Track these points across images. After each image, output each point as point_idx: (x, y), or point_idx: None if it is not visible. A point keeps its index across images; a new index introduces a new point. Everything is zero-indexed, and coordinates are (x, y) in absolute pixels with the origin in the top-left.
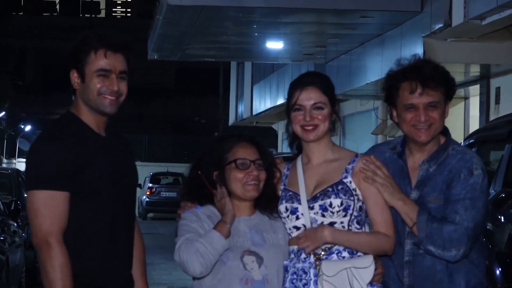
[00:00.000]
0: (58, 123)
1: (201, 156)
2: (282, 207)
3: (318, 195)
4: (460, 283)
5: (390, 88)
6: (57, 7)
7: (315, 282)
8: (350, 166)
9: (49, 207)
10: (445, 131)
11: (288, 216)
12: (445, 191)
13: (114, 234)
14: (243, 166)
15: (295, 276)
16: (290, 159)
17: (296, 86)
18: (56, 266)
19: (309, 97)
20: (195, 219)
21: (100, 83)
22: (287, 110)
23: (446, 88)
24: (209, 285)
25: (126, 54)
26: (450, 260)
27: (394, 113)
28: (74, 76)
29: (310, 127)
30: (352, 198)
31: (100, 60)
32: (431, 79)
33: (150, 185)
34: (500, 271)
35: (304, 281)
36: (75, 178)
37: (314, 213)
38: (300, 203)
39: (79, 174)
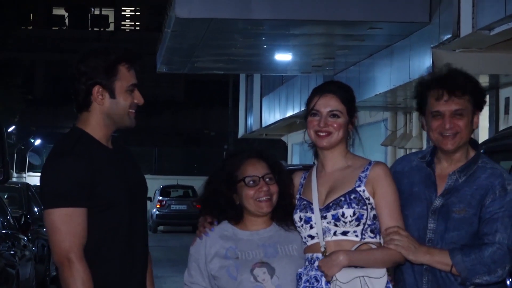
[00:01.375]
0: (68, 138)
1: (214, 173)
2: (296, 217)
3: (330, 204)
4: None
5: (420, 97)
6: (66, 20)
7: None
8: (363, 174)
9: (68, 224)
10: (475, 145)
11: (302, 226)
12: (473, 205)
13: (131, 245)
14: (253, 183)
15: (307, 284)
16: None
17: (316, 92)
18: (79, 282)
19: (327, 104)
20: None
21: (130, 99)
22: (306, 115)
23: (474, 98)
24: None
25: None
26: (497, 281)
27: (424, 122)
28: (98, 92)
29: (323, 133)
30: (365, 207)
31: (132, 76)
32: (458, 87)
33: (160, 198)
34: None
35: None
36: (92, 193)
37: (327, 223)
38: (313, 212)
39: (96, 188)
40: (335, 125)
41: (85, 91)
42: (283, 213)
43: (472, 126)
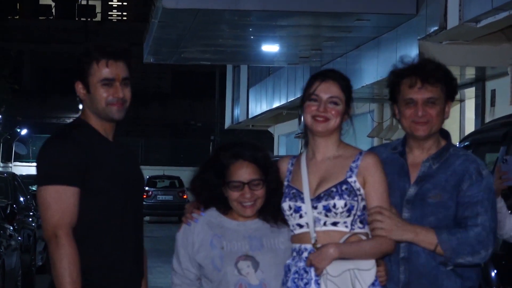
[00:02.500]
0: (69, 126)
1: (207, 162)
2: (285, 205)
3: (322, 195)
4: (456, 280)
5: (393, 85)
6: (53, 10)
7: (316, 282)
8: (354, 165)
9: (59, 201)
10: (446, 135)
11: (291, 214)
12: (448, 189)
13: (123, 234)
14: (237, 188)
15: (296, 275)
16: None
17: (316, 77)
18: (64, 257)
19: (328, 90)
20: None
21: (106, 93)
22: (302, 100)
23: (446, 87)
24: None
25: (127, 60)
26: (480, 262)
27: (396, 110)
28: (79, 88)
29: (321, 119)
30: (356, 198)
31: (103, 70)
32: (431, 75)
33: (147, 188)
34: (495, 273)
35: (305, 280)
36: (85, 176)
37: (318, 213)
38: (303, 202)
39: (89, 173)
40: (334, 112)
41: (74, 86)
42: (271, 209)
43: (444, 116)
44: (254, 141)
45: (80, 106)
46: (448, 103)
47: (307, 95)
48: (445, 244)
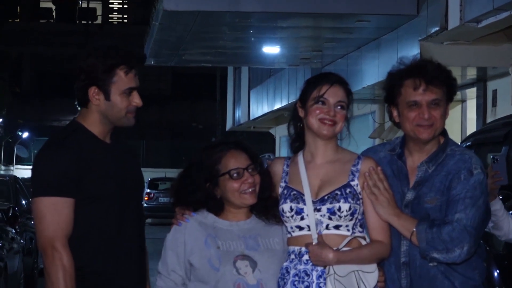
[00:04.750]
0: (62, 131)
1: (190, 165)
2: (286, 207)
3: (326, 197)
4: (457, 285)
5: (392, 87)
6: (54, 13)
7: (318, 285)
8: (355, 168)
9: (53, 213)
10: (444, 132)
11: (292, 216)
12: (444, 191)
13: (121, 238)
14: (238, 175)
15: (297, 278)
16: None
17: (323, 80)
18: (60, 269)
19: (337, 94)
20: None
21: (126, 102)
22: (303, 103)
23: (448, 88)
24: None
25: (139, 67)
26: (456, 261)
27: (395, 113)
28: (94, 93)
29: (330, 122)
30: (358, 202)
31: (130, 80)
32: (435, 77)
33: (148, 190)
34: (498, 273)
35: (306, 283)
36: (79, 185)
37: (321, 215)
38: (305, 204)
39: (83, 181)
40: (340, 116)
41: (83, 89)
42: (263, 206)
43: (445, 117)
44: (245, 141)
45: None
46: (448, 104)
47: (315, 97)
48: (420, 234)
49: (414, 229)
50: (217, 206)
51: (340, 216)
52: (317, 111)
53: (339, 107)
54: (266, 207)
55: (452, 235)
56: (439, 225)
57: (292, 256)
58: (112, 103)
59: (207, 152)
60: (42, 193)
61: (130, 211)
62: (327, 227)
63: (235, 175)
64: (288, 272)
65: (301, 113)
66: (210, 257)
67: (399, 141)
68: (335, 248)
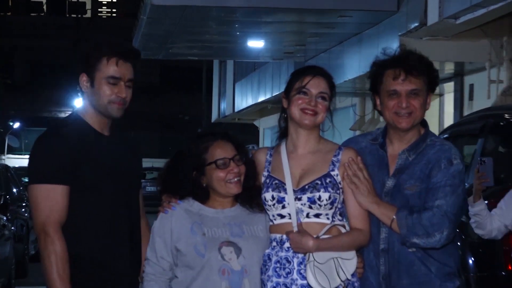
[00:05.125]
0: (61, 122)
1: (177, 155)
2: (268, 195)
3: (306, 187)
4: (436, 272)
5: (375, 76)
6: (44, 7)
7: (299, 272)
8: (335, 159)
9: (47, 200)
10: (424, 123)
11: (274, 205)
12: (424, 179)
13: (114, 227)
14: (224, 165)
15: (278, 265)
16: None
17: (306, 72)
18: (52, 253)
19: (319, 85)
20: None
21: (109, 90)
22: (287, 93)
23: (428, 79)
24: (190, 278)
25: (135, 62)
26: (436, 246)
27: (378, 101)
28: (84, 80)
29: (311, 112)
30: (338, 191)
31: (111, 68)
32: (415, 67)
33: None
34: (472, 261)
35: (287, 269)
36: (74, 174)
37: (302, 204)
38: (286, 193)
39: (78, 170)
40: (321, 107)
41: (77, 77)
42: (247, 195)
43: (426, 107)
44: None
45: (74, 101)
46: (429, 94)
47: (297, 88)
48: (400, 221)
49: (394, 216)
50: (203, 195)
51: (320, 205)
52: (299, 101)
53: (320, 98)
54: (251, 196)
55: (433, 221)
56: (418, 211)
57: (274, 244)
58: (96, 90)
59: (195, 142)
60: (37, 181)
61: (124, 200)
62: (307, 216)
63: (221, 164)
64: (270, 259)
65: (285, 103)
66: (196, 244)
67: (381, 131)
68: (315, 236)
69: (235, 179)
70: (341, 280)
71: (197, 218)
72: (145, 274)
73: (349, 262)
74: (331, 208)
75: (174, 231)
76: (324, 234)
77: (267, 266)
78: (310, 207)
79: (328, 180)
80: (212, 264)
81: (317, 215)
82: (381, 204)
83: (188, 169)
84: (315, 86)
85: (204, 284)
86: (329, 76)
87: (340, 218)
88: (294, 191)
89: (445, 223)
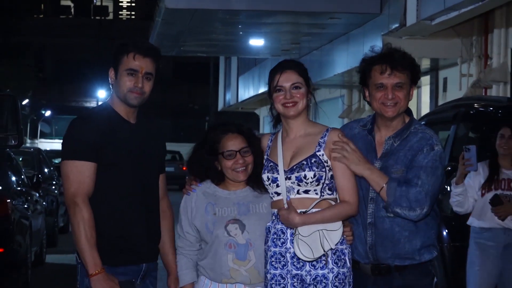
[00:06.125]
0: (92, 109)
1: (199, 143)
2: (264, 176)
3: (294, 167)
4: (416, 243)
5: (364, 71)
6: (72, 10)
7: (291, 241)
8: (322, 140)
9: (75, 174)
10: (409, 112)
11: (270, 184)
12: (407, 164)
13: (132, 201)
14: (230, 156)
15: (275, 236)
16: None
17: (276, 71)
18: (80, 220)
19: (288, 79)
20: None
21: (128, 81)
22: (270, 93)
23: (411, 73)
24: (206, 250)
25: (155, 59)
26: (413, 219)
27: (367, 93)
28: (111, 74)
29: (290, 104)
30: (324, 169)
31: (131, 61)
32: (399, 63)
33: None
34: (446, 232)
35: (282, 240)
36: (100, 153)
37: (291, 183)
38: (279, 174)
39: (103, 150)
40: (299, 95)
41: (100, 71)
42: (256, 179)
43: (409, 98)
44: (236, 121)
45: (98, 92)
46: (412, 87)
47: (274, 87)
48: (390, 190)
49: (384, 185)
50: (218, 178)
51: (306, 183)
52: (279, 98)
53: (294, 88)
54: (258, 180)
55: (418, 197)
56: (407, 185)
57: (273, 217)
58: (118, 81)
59: (211, 132)
60: (68, 157)
61: (143, 180)
62: (298, 192)
63: (228, 156)
64: (269, 231)
65: (271, 101)
66: (207, 222)
67: (370, 118)
68: (304, 210)
69: (241, 169)
70: (324, 250)
71: (212, 198)
72: (177, 247)
73: (334, 233)
74: (318, 185)
75: (193, 211)
76: (314, 208)
77: (267, 238)
78: (299, 185)
79: (313, 160)
80: (220, 239)
81: (306, 191)
82: (374, 171)
83: (205, 155)
84: (286, 80)
85: (214, 255)
86: (296, 66)
87: (329, 192)
88: (285, 171)
89: (427, 201)
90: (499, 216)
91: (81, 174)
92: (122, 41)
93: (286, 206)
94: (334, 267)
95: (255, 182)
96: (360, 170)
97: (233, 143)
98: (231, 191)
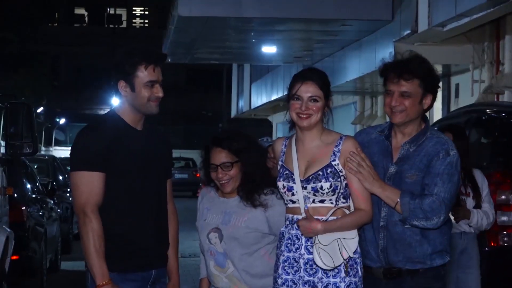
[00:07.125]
0: (99, 118)
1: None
2: (280, 184)
3: (310, 177)
4: (427, 248)
5: (381, 76)
6: (86, 18)
7: (306, 247)
8: (337, 149)
9: (85, 184)
10: (425, 119)
11: (285, 192)
12: (423, 169)
13: (141, 209)
14: (213, 170)
15: (289, 241)
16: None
17: (298, 79)
18: (89, 231)
19: (307, 90)
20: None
21: (148, 92)
22: (288, 97)
23: (424, 82)
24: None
25: (163, 64)
26: (433, 227)
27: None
28: (122, 85)
29: (304, 115)
30: (339, 179)
31: (150, 74)
32: (407, 71)
33: None
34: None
35: (296, 245)
36: (108, 162)
37: (307, 192)
38: (295, 183)
39: (111, 158)
40: (314, 108)
41: (114, 83)
42: (246, 191)
43: (422, 106)
44: (238, 130)
45: (112, 100)
46: (428, 95)
47: (292, 94)
48: (404, 206)
49: (398, 200)
50: (216, 185)
51: (322, 193)
52: (294, 106)
53: (312, 101)
54: (248, 192)
55: (432, 206)
56: (420, 197)
57: (287, 222)
58: (137, 94)
59: (207, 145)
60: (77, 168)
61: (151, 186)
62: (313, 201)
63: (211, 169)
64: (283, 236)
65: (288, 107)
66: (199, 226)
67: (388, 124)
68: (322, 218)
69: (223, 181)
70: (344, 258)
71: (209, 204)
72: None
73: (352, 241)
74: (333, 194)
75: (198, 212)
76: (330, 216)
77: (281, 243)
78: (315, 195)
79: (329, 170)
80: (203, 245)
81: (321, 201)
82: (386, 188)
83: (205, 162)
84: (305, 91)
85: (205, 258)
86: (319, 78)
87: (344, 200)
88: (301, 181)
89: (443, 208)
90: (456, 218)
91: (90, 184)
92: (127, 49)
93: (304, 215)
94: (346, 277)
95: (244, 193)
96: (373, 188)
97: (215, 158)
98: (225, 198)
